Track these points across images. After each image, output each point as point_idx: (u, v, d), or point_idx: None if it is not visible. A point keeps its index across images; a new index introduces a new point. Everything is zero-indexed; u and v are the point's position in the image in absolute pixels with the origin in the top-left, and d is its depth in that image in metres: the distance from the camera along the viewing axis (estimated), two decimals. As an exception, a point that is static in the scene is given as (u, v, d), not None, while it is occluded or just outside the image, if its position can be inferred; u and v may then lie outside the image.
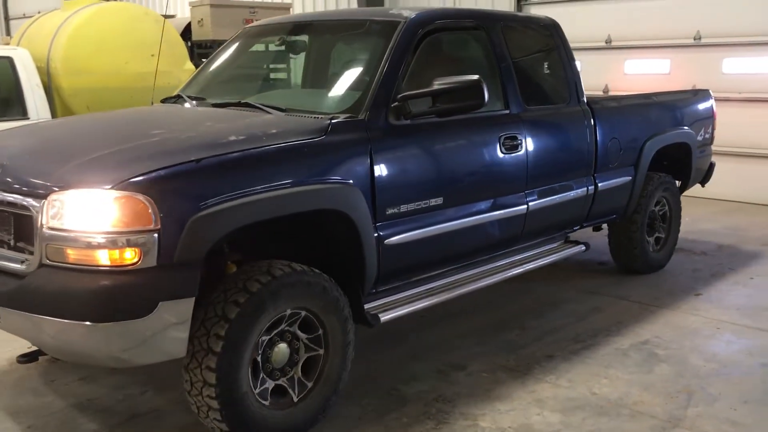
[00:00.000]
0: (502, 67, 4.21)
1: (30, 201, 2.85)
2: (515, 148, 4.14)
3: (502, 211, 4.11)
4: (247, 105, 3.75)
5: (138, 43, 7.81)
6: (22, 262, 2.89)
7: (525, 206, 4.25)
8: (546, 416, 3.47)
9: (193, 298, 2.82)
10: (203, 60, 8.95)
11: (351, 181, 3.32)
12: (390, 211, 3.51)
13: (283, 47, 4.53)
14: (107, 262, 2.70)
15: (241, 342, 2.94)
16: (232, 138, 3.15)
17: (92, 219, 2.71)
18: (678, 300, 5.06)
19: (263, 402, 3.09)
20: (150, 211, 2.70)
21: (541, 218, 4.43)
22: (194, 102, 4.11)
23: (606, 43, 9.17)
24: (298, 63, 4.56)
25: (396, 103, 3.55)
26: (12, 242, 3.01)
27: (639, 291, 5.25)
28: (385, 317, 3.59)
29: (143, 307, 2.72)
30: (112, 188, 2.71)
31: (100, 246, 2.70)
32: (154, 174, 2.78)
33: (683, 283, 5.44)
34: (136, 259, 2.70)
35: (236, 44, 4.57)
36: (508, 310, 4.84)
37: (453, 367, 3.98)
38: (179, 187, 2.81)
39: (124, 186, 2.71)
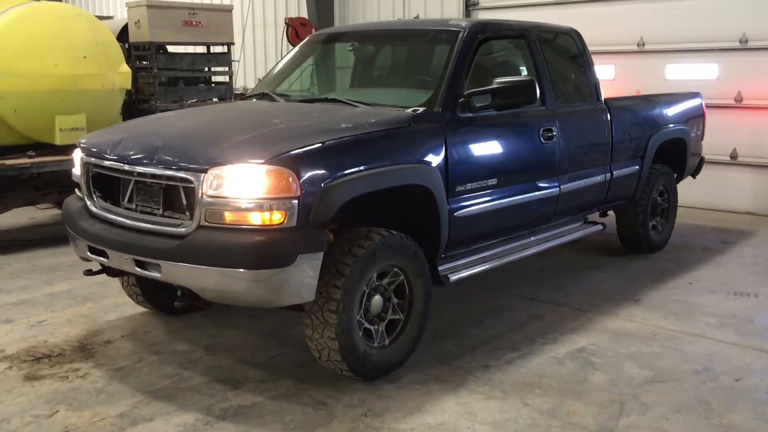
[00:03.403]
0: (539, 69, 4.97)
1: (189, 175, 3.51)
2: (551, 138, 4.89)
3: (540, 192, 4.86)
4: (334, 101, 4.45)
5: (69, 44, 7.29)
6: (179, 225, 3.55)
7: (557, 188, 5.01)
8: (477, 429, 3.44)
9: (323, 252, 3.51)
10: (139, 62, 9.20)
11: (431, 162, 4.03)
12: (459, 188, 4.23)
13: (352, 52, 5.22)
14: (259, 222, 3.38)
15: (353, 290, 3.63)
16: (343, 125, 3.86)
17: (248, 188, 3.39)
18: (616, 306, 5.11)
19: (367, 342, 3.79)
20: (292, 182, 3.38)
21: (570, 200, 5.19)
22: (282, 99, 4.79)
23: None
24: (359, 66, 5.25)
25: (462, 99, 4.28)
26: (160, 211, 3.67)
27: (578, 297, 5.29)
28: (454, 277, 4.32)
29: (287, 258, 3.39)
30: (263, 163, 3.39)
31: (253, 209, 3.37)
32: (293, 152, 3.47)
33: (623, 289, 5.49)
34: (282, 220, 3.38)
35: (306, 47, 5.28)
36: (446, 319, 4.82)
37: (385, 380, 3.92)
38: (312, 164, 3.50)
39: (274, 161, 3.40)
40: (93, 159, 4.04)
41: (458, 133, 4.24)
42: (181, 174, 3.55)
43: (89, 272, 4.21)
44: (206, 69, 9.49)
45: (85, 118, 7.29)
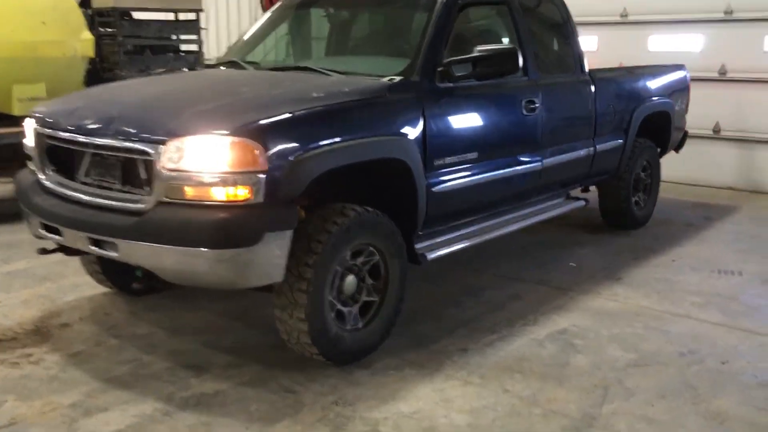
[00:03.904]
0: (522, 38, 4.74)
1: (148, 147, 3.25)
2: (533, 111, 4.68)
3: (522, 167, 4.66)
4: (306, 69, 4.19)
5: (26, 9, 6.97)
6: (137, 201, 3.30)
7: (540, 163, 4.80)
8: (453, 418, 3.27)
9: (292, 231, 3.28)
10: (105, 29, 8.86)
11: (408, 135, 3.80)
12: (437, 163, 4.01)
13: (326, 17, 4.95)
14: (223, 198, 3.14)
15: (325, 269, 3.41)
16: (315, 95, 3.61)
17: (210, 161, 3.14)
18: (598, 285, 4.95)
19: (340, 324, 3.58)
20: (258, 154, 3.14)
21: (552, 174, 5.00)
22: (251, 67, 4.52)
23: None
24: (334, 33, 4.98)
25: (441, 68, 4.04)
26: (119, 185, 3.41)
27: (560, 275, 5.14)
28: (431, 256, 4.11)
29: (252, 236, 3.16)
30: (227, 134, 3.14)
31: (216, 184, 3.13)
32: (260, 123, 3.23)
33: (605, 267, 5.34)
34: (248, 196, 3.14)
35: (279, 13, 4.99)
36: (424, 299, 4.63)
37: (358, 365, 3.73)
38: (281, 135, 3.25)
39: (239, 132, 3.14)
40: (47, 129, 3.75)
41: (437, 104, 4.01)
42: (139, 146, 3.29)
43: (44, 251, 3.94)
44: (174, 37, 9.14)
45: (45, 88, 6.92)
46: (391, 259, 3.75)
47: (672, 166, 7.54)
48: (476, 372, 3.69)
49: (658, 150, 6.46)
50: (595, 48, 8.80)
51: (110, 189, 3.45)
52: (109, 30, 8.67)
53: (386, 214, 3.73)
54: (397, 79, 3.94)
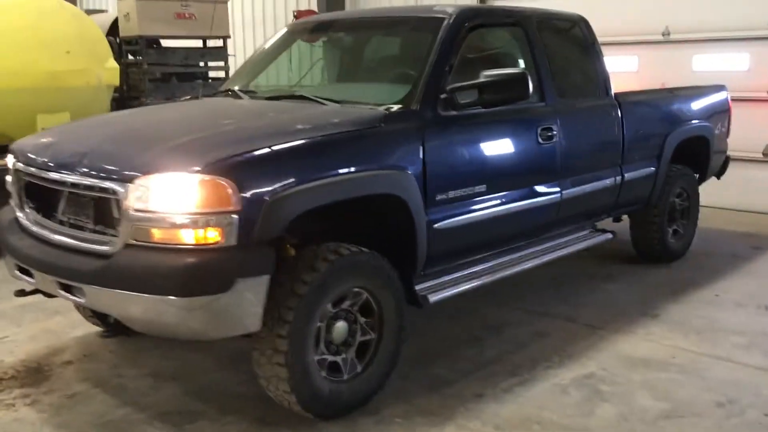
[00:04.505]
0: (538, 61, 4.42)
1: (116, 185, 3.03)
2: (550, 138, 4.34)
3: (538, 199, 4.32)
4: (302, 98, 3.95)
5: (50, 39, 7.00)
6: (106, 243, 3.08)
7: (559, 194, 4.45)
8: None
9: (269, 276, 3.01)
10: (132, 57, 8.79)
11: (405, 168, 3.51)
12: (439, 197, 3.71)
13: (329, 43, 4.72)
14: (192, 242, 2.90)
15: (309, 314, 3.13)
16: (300, 127, 3.36)
17: (178, 201, 2.90)
18: (632, 322, 4.59)
19: (319, 370, 3.28)
20: (231, 193, 2.89)
21: (574, 206, 4.64)
22: (247, 95, 4.30)
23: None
24: (337, 58, 4.75)
25: (445, 95, 3.75)
26: (91, 225, 3.20)
27: (590, 312, 4.78)
28: (434, 298, 3.79)
29: (223, 283, 2.90)
30: (197, 172, 2.90)
31: (185, 226, 2.89)
32: (234, 159, 2.98)
33: (640, 302, 4.96)
34: (218, 239, 2.89)
35: (280, 40, 4.77)
36: (441, 337, 4.38)
37: (363, 411, 3.45)
38: (257, 172, 3.01)
39: (209, 170, 2.90)
40: (21, 165, 3.58)
41: (439, 134, 3.72)
42: (107, 184, 3.07)
43: (21, 293, 3.74)
44: (201, 64, 9.08)
45: (70, 117, 6.93)
46: (386, 301, 3.45)
47: (718, 191, 7.07)
48: (491, 422, 3.40)
49: (697, 177, 6.02)
50: (635, 68, 8.45)
51: (83, 230, 3.25)
52: (136, 58, 8.65)
53: (382, 254, 3.45)
54: (395, 108, 3.66)
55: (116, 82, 7.76)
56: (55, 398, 3.66)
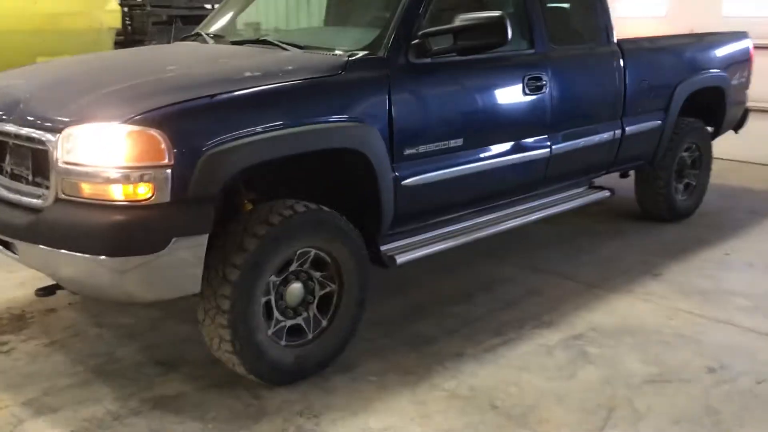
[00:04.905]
0: (528, 4, 4.08)
1: (46, 135, 2.84)
2: (539, 89, 4.03)
3: (523, 154, 4.03)
4: (266, 42, 3.69)
5: None
6: (39, 196, 2.91)
7: (548, 149, 4.16)
8: None
9: (207, 235, 2.81)
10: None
11: (368, 120, 3.26)
12: (408, 152, 3.46)
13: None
14: (121, 197, 2.70)
15: (256, 275, 2.95)
16: (247, 74, 3.11)
17: (106, 154, 2.70)
18: (632, 281, 4.36)
19: (278, 341, 3.12)
20: (163, 146, 2.68)
21: (565, 162, 4.34)
22: (212, 40, 4.05)
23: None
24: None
25: (416, 41, 3.46)
26: (30, 177, 3.03)
27: (589, 269, 4.56)
28: (402, 259, 3.57)
29: (157, 242, 2.71)
30: (125, 122, 2.69)
31: (113, 181, 2.69)
32: (167, 109, 2.76)
33: (644, 261, 4.71)
34: (149, 195, 2.69)
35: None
36: (433, 290, 4.22)
37: (339, 367, 3.34)
38: (193, 123, 2.79)
39: (138, 121, 2.69)
40: None
41: (409, 84, 3.44)
42: (37, 134, 2.89)
43: None
44: (209, 6, 8.83)
45: (71, 60, 6.83)
46: (343, 257, 3.25)
47: (736, 144, 6.64)
48: (467, 382, 3.25)
49: (711, 130, 5.64)
50: (663, 13, 8.03)
51: (22, 182, 3.07)
52: (139, 0, 8.46)
53: (347, 211, 3.25)
54: (361, 54, 3.38)
55: (118, 24, 7.64)
56: (32, 347, 3.58)
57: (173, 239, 2.73)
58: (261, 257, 2.94)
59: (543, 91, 4.05)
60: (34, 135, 2.90)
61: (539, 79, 4.02)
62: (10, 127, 3.04)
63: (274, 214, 2.98)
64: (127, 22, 8.56)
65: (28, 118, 2.98)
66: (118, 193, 2.70)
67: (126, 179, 2.68)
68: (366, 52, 3.40)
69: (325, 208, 3.17)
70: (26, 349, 3.56)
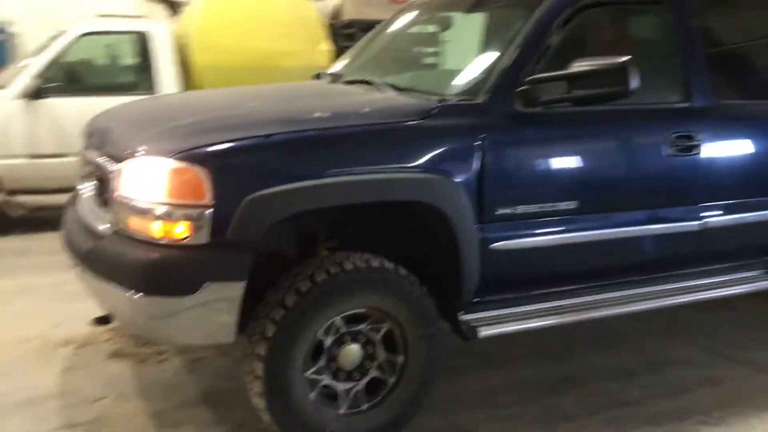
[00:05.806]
0: (687, 51, 3.45)
1: (112, 166, 2.87)
2: (689, 149, 3.37)
3: (659, 225, 3.37)
4: (366, 83, 3.48)
5: (270, 20, 7.34)
6: (105, 223, 2.94)
7: (697, 222, 3.46)
8: None
9: (243, 283, 2.63)
10: (345, 42, 8.62)
11: (450, 173, 2.89)
12: (501, 211, 3.02)
13: (433, 26, 4.16)
14: (159, 235, 2.62)
15: (297, 334, 2.71)
16: (316, 115, 2.91)
17: (148, 188, 2.65)
18: None
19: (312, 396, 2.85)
20: (204, 185, 2.56)
21: (726, 239, 3.59)
22: (329, 78, 3.93)
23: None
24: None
25: (524, 87, 3.04)
26: (104, 207, 3.08)
27: None
28: (486, 332, 3.11)
29: (188, 285, 2.59)
30: (169, 157, 2.62)
31: (153, 217, 2.62)
32: (214, 147, 2.64)
33: None
34: (186, 234, 2.59)
35: (389, 23, 4.32)
36: (589, 362, 3.82)
37: (454, 427, 3.14)
38: (239, 163, 2.65)
39: (182, 157, 2.60)
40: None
41: (512, 134, 3.03)
42: (107, 163, 2.94)
43: None
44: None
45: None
46: (413, 331, 2.91)
47: None
48: None
49: None
50: None
51: (101, 210, 3.14)
52: (351, 42, 8.82)
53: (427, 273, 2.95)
54: (454, 99, 3.04)
55: (325, 63, 7.91)
56: (181, 360, 3.73)
57: (206, 283, 2.59)
58: (304, 314, 2.71)
59: (693, 152, 3.38)
60: (105, 165, 2.95)
61: (689, 138, 3.36)
62: (95, 156, 3.14)
63: (321, 269, 2.73)
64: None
65: (108, 148, 3.05)
66: (156, 230, 2.63)
67: (165, 216, 2.61)
68: (461, 98, 3.05)
69: (389, 266, 2.85)
70: (177, 362, 3.71)
